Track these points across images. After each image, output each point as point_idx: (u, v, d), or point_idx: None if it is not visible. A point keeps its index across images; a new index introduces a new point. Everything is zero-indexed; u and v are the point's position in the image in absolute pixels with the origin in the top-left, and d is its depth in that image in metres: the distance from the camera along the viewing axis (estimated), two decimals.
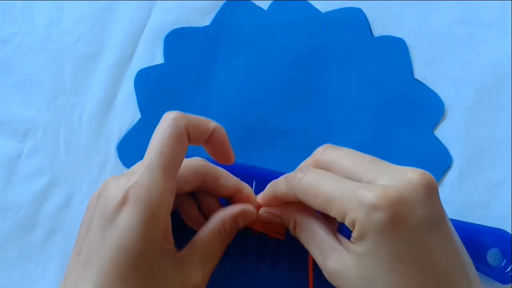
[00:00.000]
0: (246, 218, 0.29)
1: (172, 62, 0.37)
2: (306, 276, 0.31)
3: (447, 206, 0.35)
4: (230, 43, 0.37)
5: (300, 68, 0.37)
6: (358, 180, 0.25)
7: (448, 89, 0.37)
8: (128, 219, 0.24)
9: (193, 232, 0.31)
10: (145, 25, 0.38)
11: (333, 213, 0.25)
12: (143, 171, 0.25)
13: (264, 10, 0.38)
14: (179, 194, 0.28)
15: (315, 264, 0.28)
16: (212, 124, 0.27)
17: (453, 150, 0.36)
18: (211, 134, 0.27)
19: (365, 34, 0.38)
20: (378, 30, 0.38)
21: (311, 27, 0.38)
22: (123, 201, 0.25)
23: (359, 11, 0.38)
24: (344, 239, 0.26)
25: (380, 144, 0.36)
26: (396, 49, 0.37)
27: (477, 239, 0.33)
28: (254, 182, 0.32)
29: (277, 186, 0.29)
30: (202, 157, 0.30)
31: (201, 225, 0.31)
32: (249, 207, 0.30)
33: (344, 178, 0.25)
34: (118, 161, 0.35)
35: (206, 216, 0.31)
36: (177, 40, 0.37)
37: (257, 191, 0.32)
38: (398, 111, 0.36)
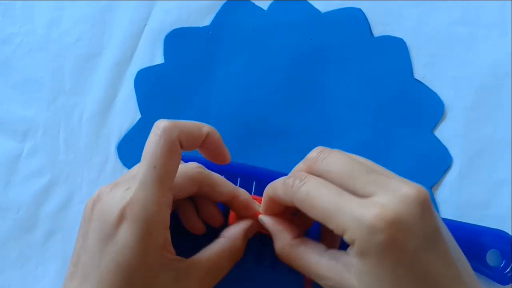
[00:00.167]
0: (254, 232, 0.30)
1: (172, 62, 0.37)
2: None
3: (447, 206, 0.35)
4: (230, 43, 0.37)
5: (300, 68, 0.37)
6: (354, 192, 0.25)
7: (448, 89, 0.37)
8: (126, 237, 0.24)
9: (192, 234, 0.31)
10: (145, 25, 0.38)
11: (331, 227, 0.25)
12: (138, 186, 0.25)
13: (264, 10, 0.38)
14: (176, 199, 0.28)
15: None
16: (205, 129, 0.27)
17: (453, 150, 0.36)
18: (204, 139, 0.27)
19: (365, 34, 0.38)
20: (378, 30, 0.38)
21: (311, 27, 0.38)
22: (120, 218, 0.25)
23: (359, 11, 0.38)
24: (341, 255, 0.26)
25: (380, 144, 0.36)
26: (396, 49, 0.37)
27: (476, 240, 0.33)
28: (254, 183, 0.33)
29: (274, 192, 0.28)
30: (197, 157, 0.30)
31: (200, 230, 0.31)
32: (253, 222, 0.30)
33: (342, 191, 0.25)
34: (118, 161, 0.35)
35: (204, 221, 0.31)
36: (177, 40, 0.37)
37: (257, 192, 0.32)
38: (398, 111, 0.36)
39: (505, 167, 0.35)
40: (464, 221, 0.34)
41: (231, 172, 0.32)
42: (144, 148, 0.26)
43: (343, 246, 0.26)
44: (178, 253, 0.27)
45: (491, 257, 0.33)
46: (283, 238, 0.28)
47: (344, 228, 0.24)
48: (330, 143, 0.35)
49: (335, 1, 0.38)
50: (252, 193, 0.32)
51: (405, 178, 0.26)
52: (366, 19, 0.38)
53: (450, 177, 0.35)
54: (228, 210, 0.31)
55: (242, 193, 0.30)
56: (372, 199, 0.24)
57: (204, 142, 0.27)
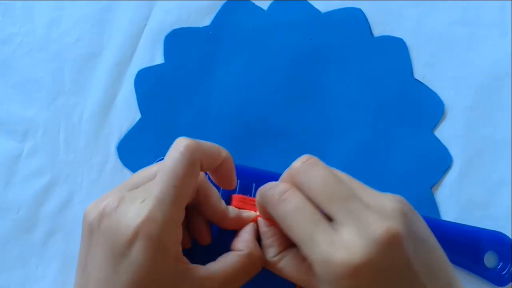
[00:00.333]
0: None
1: (172, 62, 0.37)
2: None
3: (447, 206, 0.35)
4: (230, 43, 0.37)
5: (300, 68, 0.37)
6: (329, 215, 0.25)
7: (448, 89, 0.37)
8: (140, 255, 0.24)
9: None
10: (145, 25, 0.38)
11: (302, 253, 0.25)
12: (155, 204, 0.25)
13: (264, 10, 0.38)
14: None
15: None
16: (223, 153, 0.28)
17: (453, 150, 0.36)
18: (221, 163, 0.28)
19: (365, 34, 0.38)
20: (378, 30, 0.38)
21: (311, 27, 0.38)
22: (134, 236, 0.25)
23: (359, 11, 0.38)
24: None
25: (380, 144, 0.36)
26: (396, 49, 0.37)
27: (474, 241, 0.33)
28: (254, 185, 0.33)
29: (261, 199, 0.28)
30: None
31: (206, 239, 0.30)
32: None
33: (318, 217, 0.25)
34: (118, 161, 0.35)
35: (191, 234, 0.31)
36: (177, 40, 0.37)
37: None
38: (398, 111, 0.36)
39: (505, 167, 0.35)
40: (464, 221, 0.34)
41: None
42: (163, 162, 0.26)
43: None
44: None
45: (489, 259, 0.33)
46: (267, 253, 0.29)
47: (313, 261, 0.24)
48: (330, 143, 0.36)
49: (335, 1, 0.38)
50: (252, 195, 0.32)
51: (386, 196, 0.26)
52: (366, 19, 0.38)
53: (450, 177, 0.35)
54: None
55: (231, 211, 0.30)
56: (342, 236, 0.24)
57: (220, 165, 0.28)
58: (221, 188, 0.30)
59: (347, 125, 0.36)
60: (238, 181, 0.32)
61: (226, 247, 0.29)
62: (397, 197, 0.26)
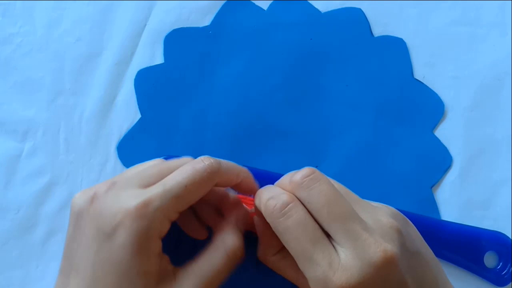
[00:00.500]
0: (244, 223, 0.30)
1: (172, 62, 0.37)
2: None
3: (447, 206, 0.35)
4: (230, 43, 0.37)
5: (300, 68, 0.37)
6: (329, 233, 0.25)
7: (448, 89, 0.37)
8: (123, 236, 0.25)
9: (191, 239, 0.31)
10: (145, 25, 0.38)
11: (298, 265, 0.25)
12: (159, 191, 0.26)
13: (264, 10, 0.38)
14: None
15: None
16: (242, 174, 0.29)
17: (453, 150, 0.36)
18: (239, 182, 0.29)
19: (365, 34, 0.38)
20: (378, 30, 0.38)
21: (311, 27, 0.38)
22: (124, 217, 0.25)
23: (359, 11, 0.38)
24: None
25: (380, 144, 0.36)
26: (396, 49, 0.37)
27: (474, 241, 0.33)
28: None
29: (259, 205, 0.28)
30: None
31: (202, 234, 0.31)
32: (242, 213, 0.30)
33: (318, 235, 0.25)
34: (118, 161, 0.35)
35: (205, 224, 0.31)
36: (177, 40, 0.37)
37: None
38: (398, 111, 0.36)
39: (505, 167, 0.35)
40: (464, 221, 0.34)
41: None
42: (185, 166, 0.27)
43: None
44: (179, 258, 0.27)
45: (489, 259, 0.33)
46: (265, 252, 0.29)
47: (310, 279, 0.25)
48: (330, 143, 0.36)
49: (335, 1, 0.38)
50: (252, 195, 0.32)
51: (381, 210, 0.27)
52: (366, 19, 0.38)
53: (450, 177, 0.35)
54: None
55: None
56: (341, 257, 0.24)
57: (237, 184, 0.29)
58: None
59: (347, 125, 0.36)
60: None
61: None
62: (391, 210, 0.28)
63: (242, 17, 0.38)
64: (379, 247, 0.24)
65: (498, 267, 0.33)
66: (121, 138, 0.36)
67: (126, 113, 0.36)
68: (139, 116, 0.36)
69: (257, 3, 0.38)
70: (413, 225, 0.28)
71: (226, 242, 0.28)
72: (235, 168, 0.29)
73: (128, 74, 0.37)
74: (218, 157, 0.29)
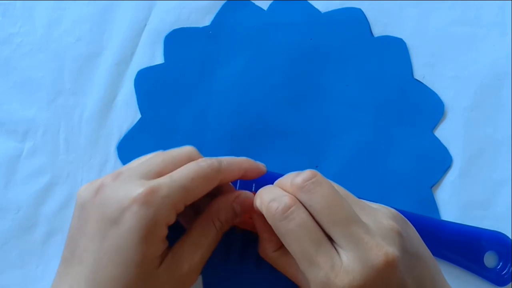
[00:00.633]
0: (243, 203, 0.29)
1: (172, 62, 0.37)
2: None
3: (447, 206, 0.35)
4: (230, 43, 0.37)
5: (300, 68, 0.37)
6: (330, 236, 0.25)
7: (448, 89, 0.37)
8: (131, 221, 0.25)
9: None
10: (145, 25, 0.38)
11: (300, 267, 0.26)
12: (166, 181, 0.26)
13: (264, 10, 0.38)
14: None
15: None
16: (244, 165, 0.29)
17: (453, 150, 0.36)
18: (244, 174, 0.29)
19: (365, 34, 0.38)
20: (378, 30, 0.38)
21: (311, 27, 0.38)
22: (132, 203, 0.25)
23: (359, 11, 0.38)
24: None
25: (380, 144, 0.36)
26: (395, 49, 0.37)
27: (474, 241, 0.33)
28: (253, 185, 0.32)
29: (260, 206, 0.28)
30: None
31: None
32: (244, 192, 0.29)
33: (320, 238, 0.25)
34: (118, 161, 0.35)
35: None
36: (177, 40, 0.37)
37: None
38: (398, 111, 0.36)
39: (505, 167, 0.35)
40: (464, 221, 0.34)
41: None
42: (185, 165, 0.27)
43: None
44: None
45: (489, 259, 0.33)
46: (265, 248, 0.29)
47: (311, 281, 0.25)
48: (330, 143, 0.36)
49: (335, 1, 0.38)
50: None
51: (381, 212, 0.27)
52: (366, 19, 0.38)
53: (450, 177, 0.35)
54: None
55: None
56: (343, 260, 0.25)
57: (243, 175, 0.29)
58: None
59: (347, 125, 0.36)
60: (238, 181, 0.32)
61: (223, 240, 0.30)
62: (391, 212, 0.28)
63: (242, 17, 0.38)
64: (381, 250, 0.25)
65: (498, 267, 0.33)
66: (121, 138, 0.36)
67: (126, 113, 0.36)
68: (139, 116, 0.36)
69: (257, 3, 0.38)
70: (412, 225, 0.29)
71: (219, 218, 0.29)
72: (236, 162, 0.29)
73: (128, 74, 0.37)
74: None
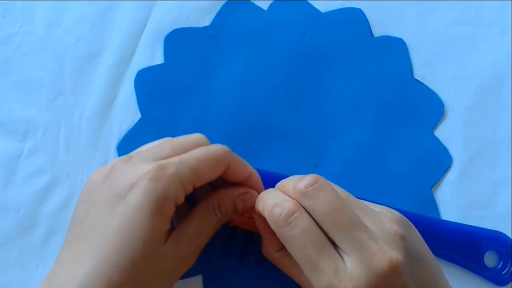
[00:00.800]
0: (246, 202, 0.29)
1: (172, 62, 0.37)
2: None
3: (447, 206, 0.35)
4: (230, 43, 0.37)
5: (300, 68, 0.37)
6: (333, 240, 0.25)
7: (448, 89, 0.37)
8: (138, 197, 0.25)
9: None
10: (145, 25, 0.38)
11: (304, 273, 0.26)
12: (175, 161, 0.26)
13: (264, 10, 0.38)
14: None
15: None
16: (251, 169, 0.29)
17: (453, 150, 0.36)
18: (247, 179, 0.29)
19: (365, 34, 0.38)
20: (378, 30, 0.38)
21: (311, 27, 0.38)
22: (140, 178, 0.25)
23: (359, 11, 0.38)
24: None
25: (380, 144, 0.36)
26: (395, 49, 0.37)
27: (474, 241, 0.33)
28: None
29: (262, 210, 0.28)
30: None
31: None
32: (250, 191, 0.29)
33: (323, 243, 0.25)
34: None
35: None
36: (177, 40, 0.37)
37: None
38: (398, 111, 0.36)
39: (505, 167, 0.35)
40: (464, 221, 0.34)
41: None
42: (195, 149, 0.28)
43: None
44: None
45: (489, 259, 0.33)
46: (268, 248, 0.29)
47: (315, 286, 0.25)
48: (330, 143, 0.36)
49: (335, 1, 0.38)
50: None
51: (385, 216, 0.27)
52: (366, 19, 0.38)
53: (450, 177, 0.35)
54: None
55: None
56: (347, 266, 0.25)
57: (246, 179, 0.29)
58: None
59: (347, 125, 0.36)
60: None
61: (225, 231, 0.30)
62: (395, 215, 0.28)
63: (242, 17, 0.38)
64: (385, 255, 0.25)
65: (498, 266, 0.33)
66: (121, 138, 0.36)
67: (126, 113, 0.36)
68: (139, 116, 0.36)
69: (257, 3, 0.38)
70: (415, 228, 0.29)
71: (220, 209, 0.29)
72: (245, 162, 0.29)
73: (128, 74, 0.37)
74: None
